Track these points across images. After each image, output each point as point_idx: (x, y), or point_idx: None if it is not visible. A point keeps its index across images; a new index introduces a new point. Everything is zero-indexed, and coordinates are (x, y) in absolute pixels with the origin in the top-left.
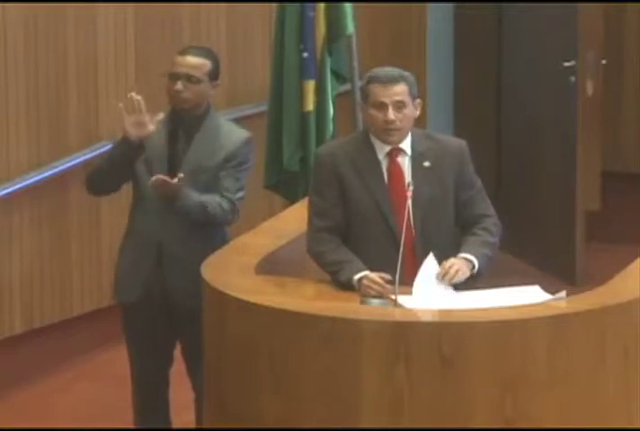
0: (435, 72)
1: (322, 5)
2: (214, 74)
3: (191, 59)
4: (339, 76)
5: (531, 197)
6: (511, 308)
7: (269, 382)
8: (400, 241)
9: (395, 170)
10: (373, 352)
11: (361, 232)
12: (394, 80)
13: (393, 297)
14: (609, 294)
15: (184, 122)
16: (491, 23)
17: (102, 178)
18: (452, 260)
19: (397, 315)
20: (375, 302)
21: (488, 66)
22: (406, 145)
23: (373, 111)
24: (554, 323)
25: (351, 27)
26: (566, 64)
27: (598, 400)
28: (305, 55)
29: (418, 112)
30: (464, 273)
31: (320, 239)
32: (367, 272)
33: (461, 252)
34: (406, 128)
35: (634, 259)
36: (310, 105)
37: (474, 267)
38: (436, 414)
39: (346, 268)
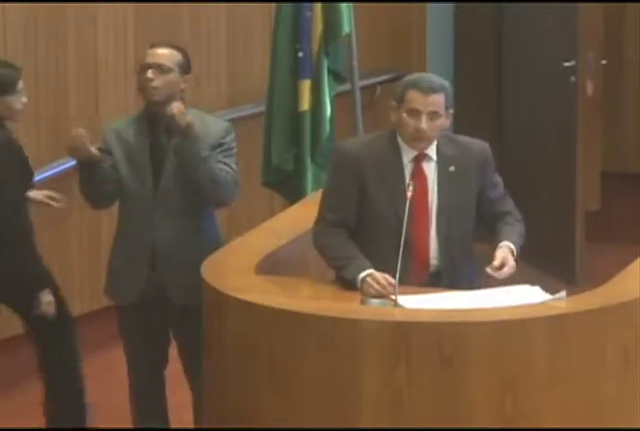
0: (435, 72)
1: (319, 5)
2: (184, 67)
3: (161, 50)
4: (338, 76)
5: (531, 197)
6: (511, 308)
7: (269, 382)
8: (414, 249)
9: (419, 176)
10: (373, 352)
11: (375, 234)
12: (433, 90)
13: (393, 297)
14: (609, 294)
15: (162, 121)
16: (491, 23)
17: (91, 194)
18: (509, 259)
19: (397, 315)
20: (375, 302)
21: (488, 66)
22: (432, 149)
23: (406, 117)
24: (554, 323)
25: (347, 27)
26: (566, 64)
27: (598, 400)
28: (300, 54)
29: (449, 123)
30: (513, 267)
31: (328, 232)
32: (371, 271)
33: (504, 240)
34: (434, 138)
35: (634, 259)
36: (305, 105)
37: (513, 254)
38: (436, 414)
39: (352, 264)
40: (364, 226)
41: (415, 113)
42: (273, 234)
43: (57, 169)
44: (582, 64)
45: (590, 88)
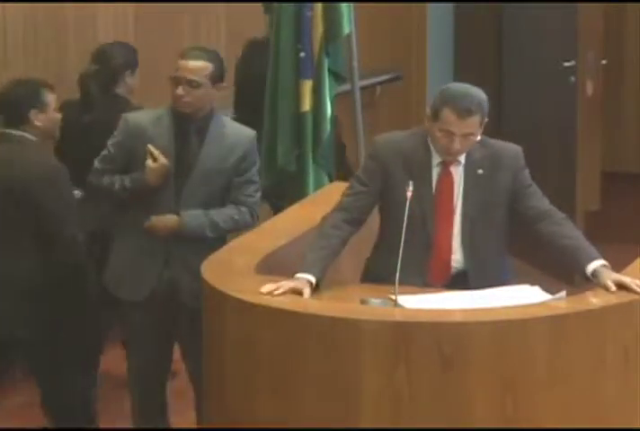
0: (435, 72)
1: (319, 5)
2: (216, 77)
3: (192, 63)
4: (338, 76)
5: None
6: (511, 308)
7: (268, 382)
8: (436, 250)
9: (446, 178)
10: (373, 352)
11: (397, 234)
12: (470, 113)
13: (393, 297)
14: (609, 294)
15: (193, 125)
16: (491, 23)
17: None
18: (621, 277)
19: (397, 315)
20: (375, 302)
21: (488, 66)
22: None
23: (439, 136)
24: (554, 323)
25: (347, 27)
26: (566, 64)
27: (598, 400)
28: (302, 55)
29: (481, 131)
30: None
31: (334, 218)
32: (306, 276)
33: (595, 260)
34: (466, 151)
35: (634, 259)
36: (307, 105)
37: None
38: (436, 414)
39: (308, 262)
40: (390, 224)
41: (449, 134)
42: (273, 234)
43: None
44: (582, 64)
45: (590, 88)
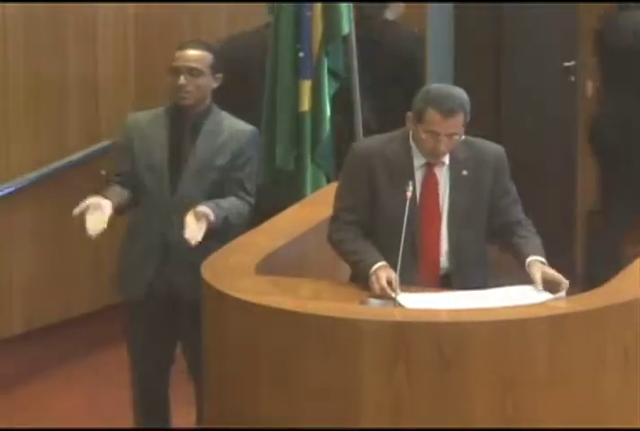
0: (435, 72)
1: (319, 5)
2: (215, 67)
3: (192, 52)
4: (337, 76)
5: (531, 197)
6: (510, 308)
7: (269, 382)
8: (424, 252)
9: (430, 181)
10: (373, 352)
11: (385, 237)
12: (453, 112)
13: (393, 296)
14: (609, 294)
15: (188, 120)
16: (491, 23)
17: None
18: (555, 274)
19: (397, 315)
20: (375, 302)
21: (488, 66)
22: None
23: (424, 135)
24: (554, 323)
25: (346, 27)
26: (566, 64)
27: (598, 400)
28: (301, 54)
29: (464, 130)
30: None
31: (343, 229)
32: (381, 264)
33: (532, 255)
34: (450, 150)
35: (634, 259)
36: (305, 105)
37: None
38: (436, 414)
39: (366, 259)
40: (376, 228)
41: (434, 135)
42: (273, 234)
43: (57, 169)
44: (582, 64)
45: (590, 88)
